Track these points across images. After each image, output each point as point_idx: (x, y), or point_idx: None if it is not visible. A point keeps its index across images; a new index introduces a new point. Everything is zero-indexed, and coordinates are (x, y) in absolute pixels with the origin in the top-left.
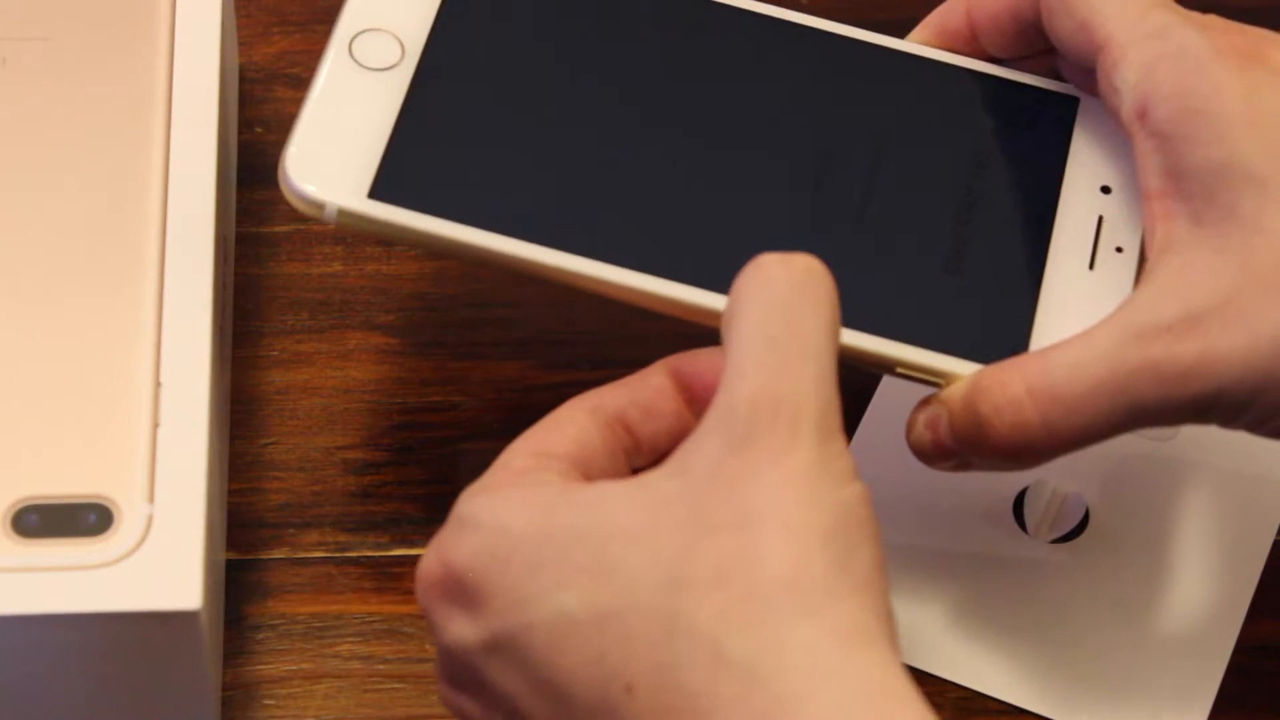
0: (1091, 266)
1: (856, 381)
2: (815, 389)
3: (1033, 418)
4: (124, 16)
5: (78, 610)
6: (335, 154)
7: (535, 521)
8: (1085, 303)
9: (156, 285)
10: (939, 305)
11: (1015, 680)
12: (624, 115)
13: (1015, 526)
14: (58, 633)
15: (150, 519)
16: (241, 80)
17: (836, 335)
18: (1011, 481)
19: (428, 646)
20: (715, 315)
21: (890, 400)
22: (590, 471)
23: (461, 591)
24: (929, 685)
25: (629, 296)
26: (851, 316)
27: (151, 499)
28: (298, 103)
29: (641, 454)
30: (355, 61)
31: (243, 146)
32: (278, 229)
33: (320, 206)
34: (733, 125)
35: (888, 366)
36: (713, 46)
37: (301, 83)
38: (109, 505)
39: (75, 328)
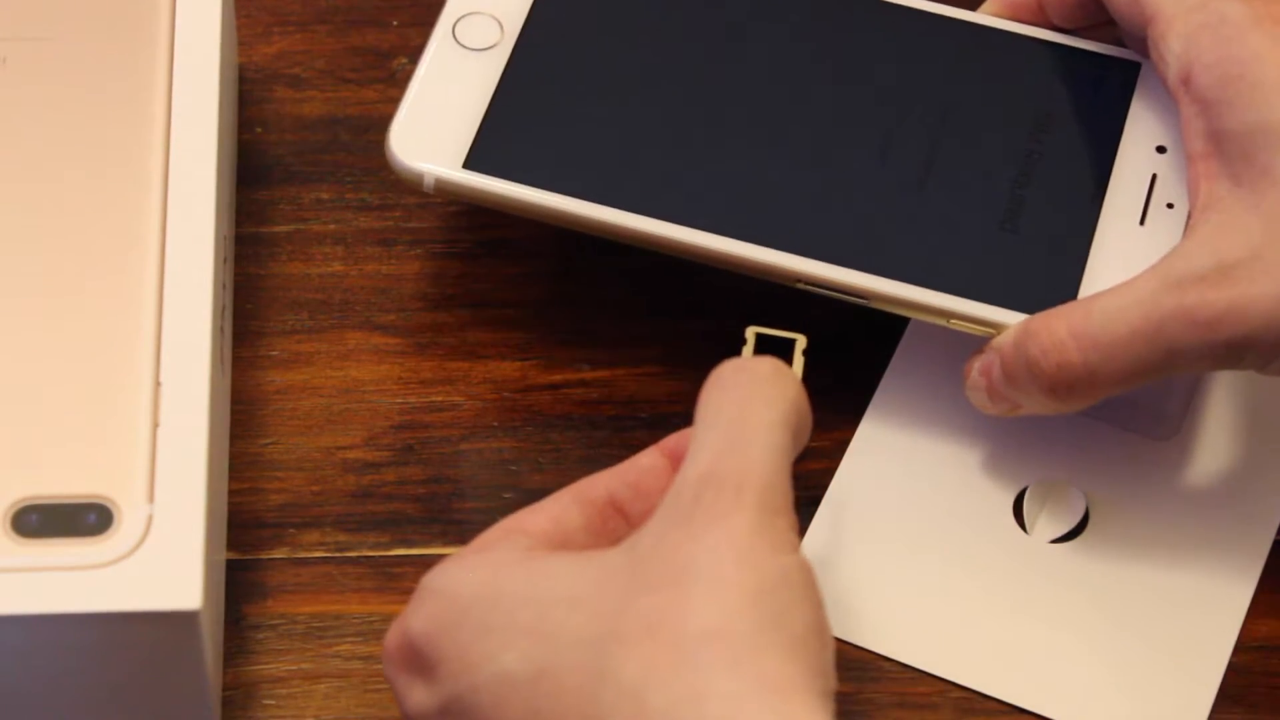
0: (1142, 222)
1: (854, 385)
2: (760, 468)
3: (1075, 359)
4: (124, 16)
5: (78, 610)
6: (435, 128)
7: (485, 585)
8: (1134, 256)
9: (156, 285)
10: (994, 259)
11: (1015, 679)
12: (705, 91)
13: (1015, 526)
14: (58, 633)
15: (150, 519)
16: (241, 80)
17: (791, 430)
18: (1011, 481)
19: None
20: (787, 273)
21: (890, 404)
22: (567, 548)
23: (418, 659)
24: (929, 684)
25: (704, 257)
26: (910, 271)
27: (151, 499)
28: (298, 103)
29: (633, 531)
30: (458, 43)
31: (243, 146)
32: (278, 229)
33: (419, 176)
34: (810, 94)
35: (943, 318)
36: (792, 20)
37: (301, 82)
38: (109, 505)
39: (75, 328)
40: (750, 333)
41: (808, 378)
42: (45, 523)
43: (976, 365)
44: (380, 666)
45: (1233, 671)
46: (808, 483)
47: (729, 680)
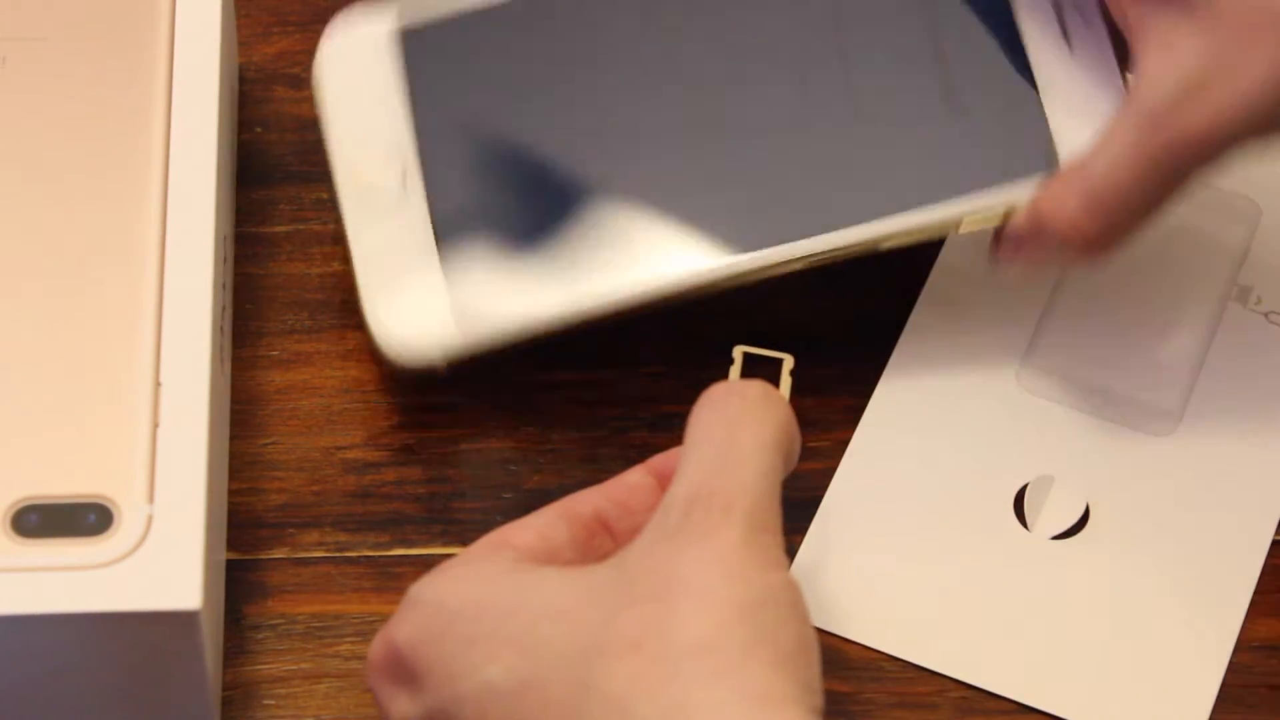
0: (1070, 46)
1: (853, 385)
2: (750, 488)
3: (1096, 225)
4: (124, 16)
5: (78, 610)
6: (407, 305)
7: (473, 596)
8: (1083, 82)
9: (156, 285)
10: (966, 150)
11: (1016, 676)
12: (616, 127)
13: (1016, 522)
14: (58, 633)
15: (150, 519)
16: (241, 80)
17: (780, 452)
18: (1011, 478)
19: None
20: (794, 262)
21: (889, 400)
22: (553, 564)
23: (403, 669)
24: (929, 684)
25: (710, 288)
26: (899, 201)
27: (151, 499)
28: (298, 103)
29: (620, 548)
30: (369, 203)
31: (243, 146)
32: (278, 229)
33: (428, 361)
34: (715, 79)
35: (953, 228)
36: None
37: (301, 82)
38: (109, 505)
39: (75, 328)
40: (738, 352)
41: (795, 396)
42: (45, 523)
43: (1003, 243)
44: None
45: (1233, 671)
46: (808, 483)
47: (716, 692)
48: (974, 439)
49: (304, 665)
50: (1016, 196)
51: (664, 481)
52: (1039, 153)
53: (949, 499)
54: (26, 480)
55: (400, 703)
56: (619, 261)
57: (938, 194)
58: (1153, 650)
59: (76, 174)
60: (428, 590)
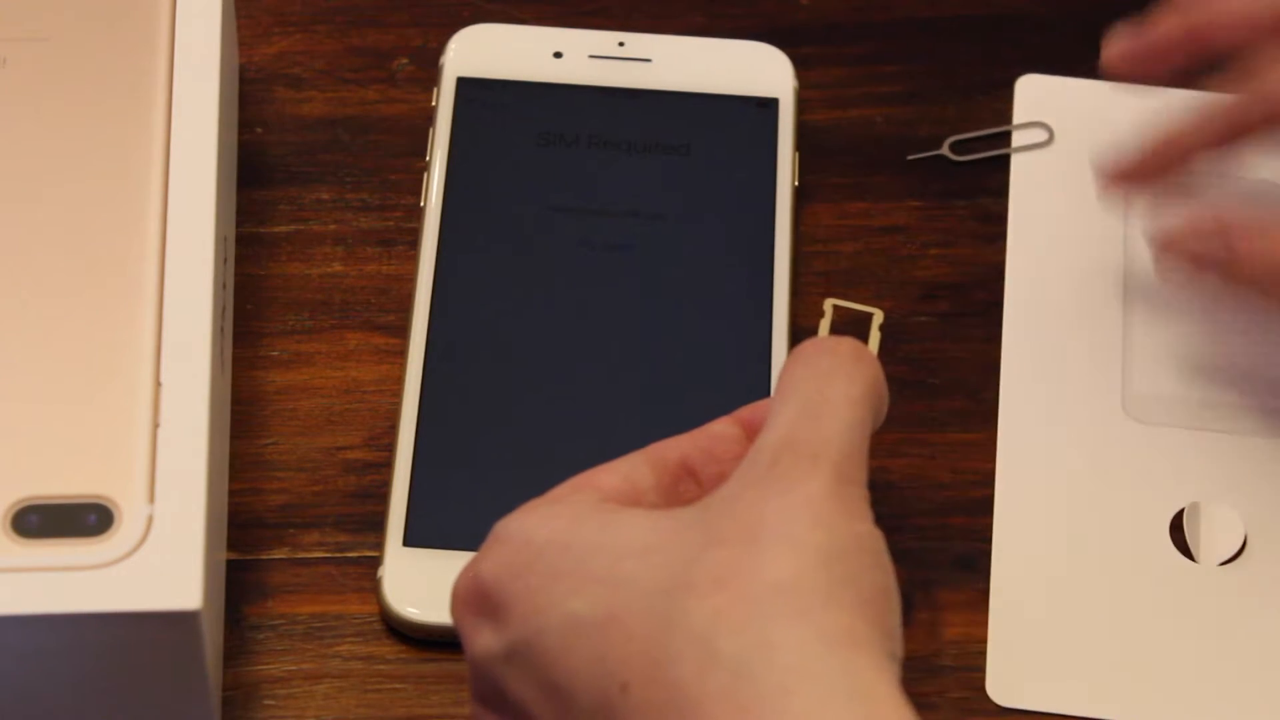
0: None
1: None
2: (838, 440)
3: None
4: (124, 16)
5: (78, 610)
6: None
7: (558, 532)
8: None
9: (156, 285)
10: None
11: (1171, 711)
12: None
13: (1172, 549)
14: (58, 633)
15: (150, 519)
16: (241, 80)
17: (869, 407)
18: (1158, 513)
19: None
20: None
21: (1012, 452)
22: (638, 506)
23: (488, 603)
24: (929, 685)
25: None
26: None
27: (151, 499)
28: (298, 103)
29: (704, 495)
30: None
31: (243, 146)
32: (278, 229)
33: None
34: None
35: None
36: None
37: (301, 82)
38: (109, 505)
39: (75, 328)
40: (828, 304)
41: (881, 353)
42: (45, 523)
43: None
44: (381, 667)
45: None
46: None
47: (797, 630)
48: (1100, 480)
49: (304, 665)
50: None
51: (750, 432)
52: None
53: (1100, 542)
54: (26, 480)
55: (484, 636)
56: None
57: None
58: None
59: (77, 174)
60: (513, 526)
